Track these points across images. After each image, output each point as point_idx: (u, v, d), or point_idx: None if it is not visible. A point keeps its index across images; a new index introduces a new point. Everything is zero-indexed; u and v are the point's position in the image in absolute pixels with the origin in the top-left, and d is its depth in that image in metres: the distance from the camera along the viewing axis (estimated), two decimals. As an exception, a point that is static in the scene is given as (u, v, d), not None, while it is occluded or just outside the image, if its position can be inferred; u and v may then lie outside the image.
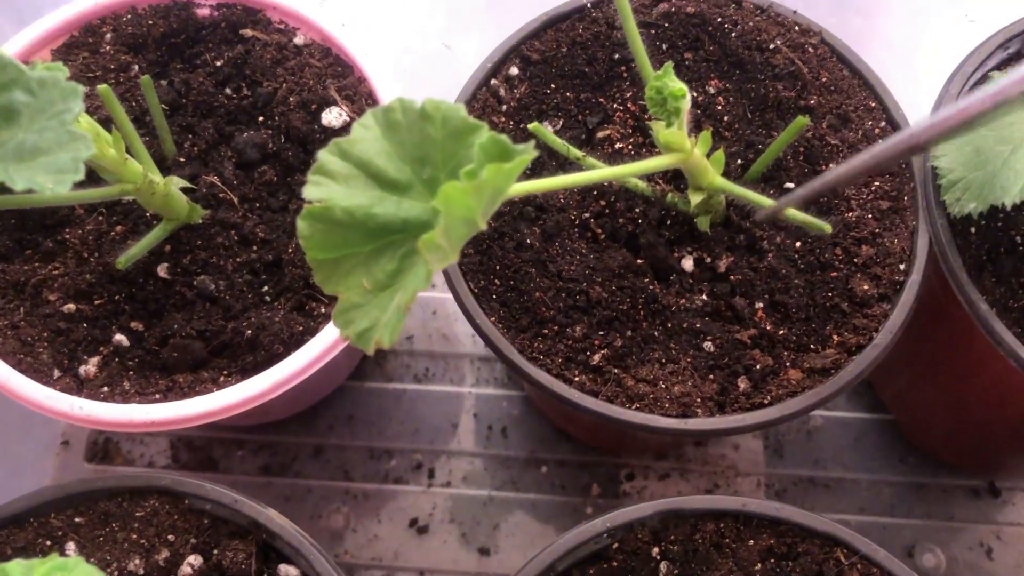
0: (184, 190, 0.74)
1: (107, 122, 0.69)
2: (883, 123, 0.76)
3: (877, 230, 0.72)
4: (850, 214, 0.72)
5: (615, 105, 0.77)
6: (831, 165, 0.73)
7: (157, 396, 0.70)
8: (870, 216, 0.72)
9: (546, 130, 0.70)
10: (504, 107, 0.77)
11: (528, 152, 0.41)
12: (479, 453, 0.95)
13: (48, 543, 0.64)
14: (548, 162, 0.74)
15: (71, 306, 0.73)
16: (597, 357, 0.68)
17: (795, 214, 0.68)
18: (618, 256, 0.70)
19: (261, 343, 0.71)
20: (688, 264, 0.71)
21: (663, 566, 0.63)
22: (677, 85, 0.59)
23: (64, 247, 0.75)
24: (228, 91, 0.81)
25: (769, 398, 0.66)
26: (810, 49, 0.78)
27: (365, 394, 0.98)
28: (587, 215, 0.73)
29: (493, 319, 0.69)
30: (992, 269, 0.71)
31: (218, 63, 0.81)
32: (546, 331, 0.68)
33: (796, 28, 0.79)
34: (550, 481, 0.94)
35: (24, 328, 0.72)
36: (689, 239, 0.72)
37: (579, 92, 0.77)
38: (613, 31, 0.78)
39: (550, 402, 0.79)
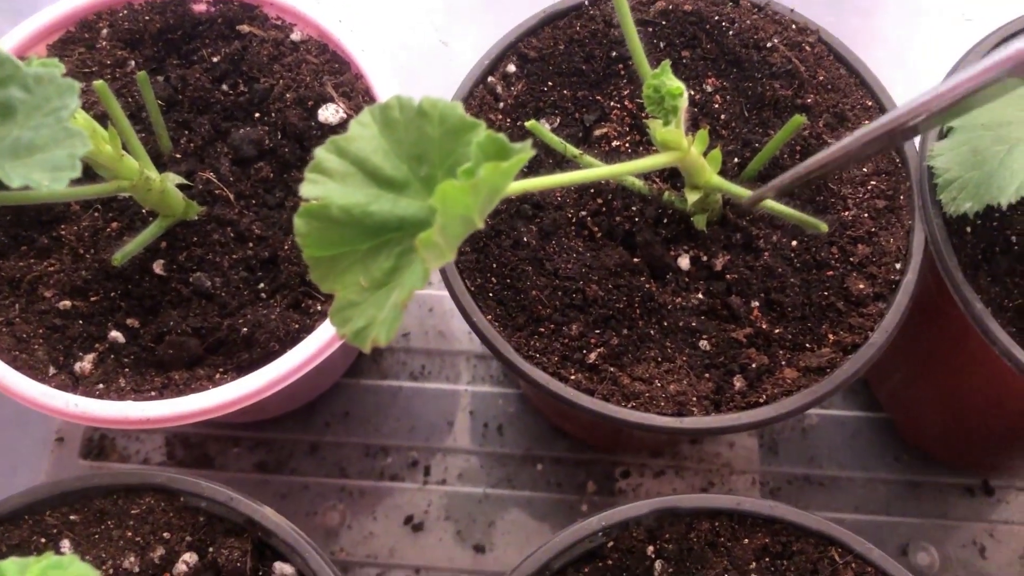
0: (180, 186, 0.74)
1: (103, 118, 0.69)
2: (880, 122, 0.76)
3: (873, 229, 0.72)
4: (846, 213, 0.72)
5: (612, 103, 0.77)
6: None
7: (153, 393, 0.69)
8: (866, 215, 0.72)
9: (543, 128, 0.70)
10: (501, 104, 0.77)
11: (525, 151, 0.41)
12: (475, 450, 0.95)
13: (43, 541, 0.64)
14: (545, 160, 0.74)
15: (67, 303, 0.73)
16: (593, 355, 0.68)
17: (791, 212, 0.68)
18: (615, 254, 0.70)
19: (257, 340, 0.71)
20: (684, 263, 0.71)
21: (658, 565, 0.63)
22: (674, 83, 0.59)
23: (60, 243, 0.75)
24: (225, 87, 0.81)
25: (764, 397, 0.66)
26: (807, 48, 0.78)
27: (361, 391, 0.98)
28: (584, 213, 0.73)
29: (489, 317, 0.69)
30: (987, 269, 0.71)
31: (215, 59, 0.81)
32: (542, 329, 0.68)
33: (793, 27, 0.79)
34: (546, 478, 0.94)
35: (19, 325, 0.72)
36: (686, 237, 0.72)
37: (576, 90, 0.77)
38: (610, 29, 0.78)
39: (546, 400, 0.79)
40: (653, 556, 0.63)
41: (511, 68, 0.78)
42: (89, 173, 0.67)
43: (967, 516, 0.92)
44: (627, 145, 0.75)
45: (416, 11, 1.21)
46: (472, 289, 0.70)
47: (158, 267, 0.74)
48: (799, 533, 0.63)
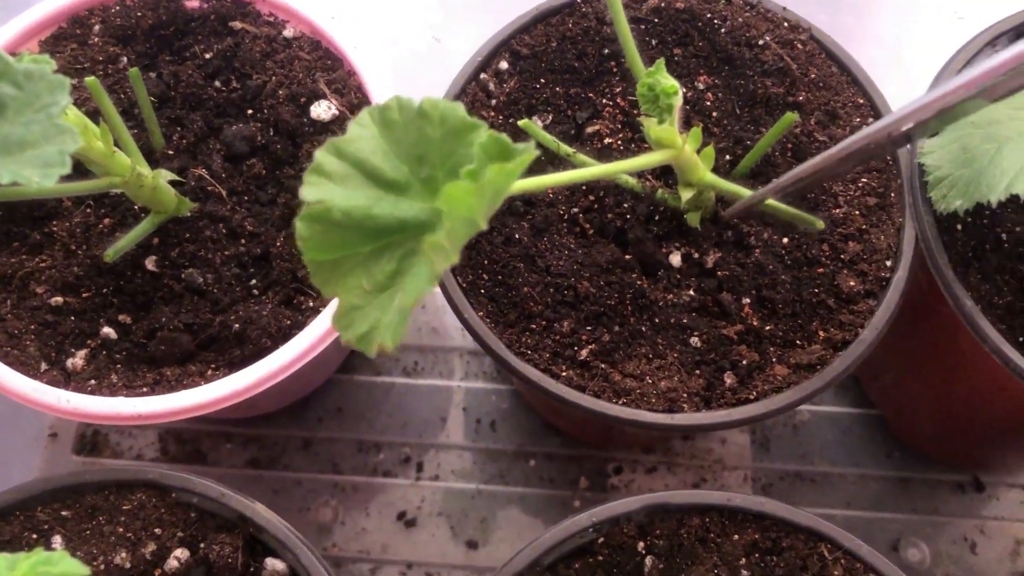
0: (172, 183, 0.74)
1: (95, 114, 0.69)
2: (871, 120, 0.76)
3: (864, 226, 0.72)
4: (837, 210, 0.73)
5: (604, 100, 0.77)
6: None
7: (144, 389, 0.69)
8: (857, 212, 0.72)
9: (536, 126, 0.70)
10: (493, 102, 0.77)
11: (529, 152, 0.41)
12: (468, 447, 0.95)
13: (35, 536, 0.64)
14: (537, 157, 0.74)
15: (58, 299, 0.73)
16: (585, 352, 0.68)
17: (786, 209, 0.68)
18: (606, 251, 0.71)
19: (249, 337, 0.71)
20: (676, 259, 0.71)
21: (648, 560, 0.63)
22: (669, 82, 0.60)
23: (52, 240, 0.75)
24: (217, 84, 0.81)
25: (755, 393, 0.66)
26: (799, 45, 0.78)
27: (354, 387, 0.98)
28: (576, 210, 0.73)
29: (481, 314, 0.69)
30: (977, 266, 0.71)
31: (207, 55, 0.81)
32: (534, 326, 0.69)
33: (785, 24, 0.79)
34: (538, 474, 0.94)
35: (11, 321, 0.72)
36: (677, 234, 0.72)
37: (568, 87, 0.77)
38: (603, 26, 0.78)
39: (538, 396, 0.79)
40: (643, 552, 0.63)
41: (504, 65, 0.78)
42: (81, 169, 0.67)
43: (958, 512, 0.93)
44: (619, 142, 0.76)
45: (409, 7, 1.21)
46: (464, 286, 0.70)
47: (150, 263, 0.74)
48: (789, 529, 0.64)
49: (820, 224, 0.68)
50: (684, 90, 0.76)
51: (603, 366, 0.68)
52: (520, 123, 0.67)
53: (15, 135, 0.51)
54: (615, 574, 0.63)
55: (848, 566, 0.62)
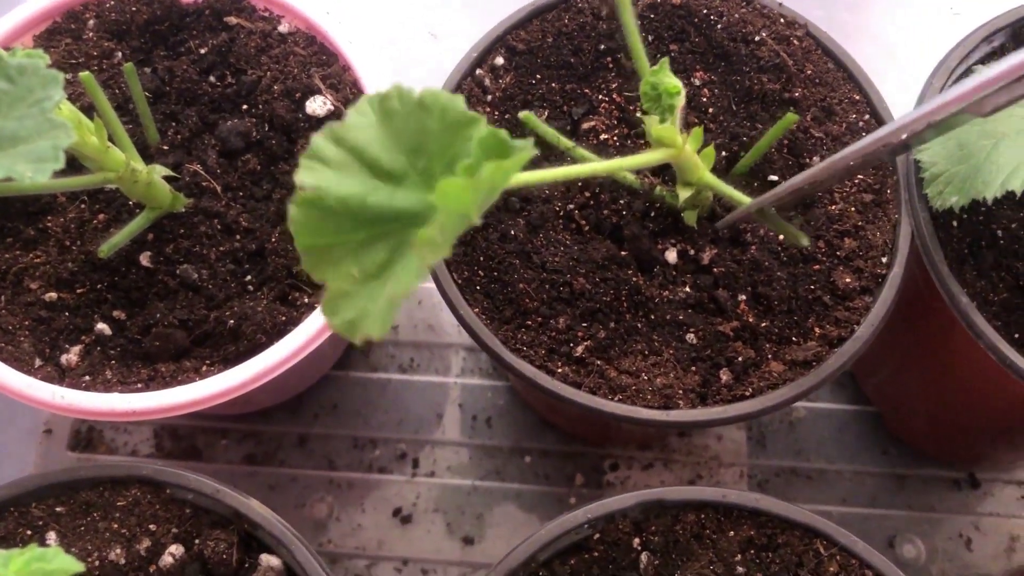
0: (167, 178, 0.74)
1: (90, 109, 0.69)
2: (867, 116, 0.76)
3: (860, 223, 0.72)
4: (833, 207, 0.72)
5: (600, 96, 0.77)
6: (815, 158, 0.74)
7: (139, 385, 0.69)
8: (853, 209, 0.72)
9: (537, 119, 0.70)
10: (489, 97, 0.77)
11: (527, 149, 0.40)
12: (464, 443, 0.95)
13: (29, 533, 0.64)
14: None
15: (53, 294, 0.73)
16: (580, 348, 0.68)
17: (775, 221, 0.68)
18: (602, 248, 0.71)
19: (244, 333, 0.71)
20: (672, 256, 0.71)
21: (644, 557, 0.63)
22: (673, 81, 0.59)
23: (46, 235, 0.75)
24: (212, 79, 0.80)
25: (751, 390, 0.66)
26: (795, 41, 0.78)
27: (350, 384, 0.98)
28: (571, 206, 0.73)
29: (477, 310, 0.69)
30: (973, 263, 0.71)
31: (202, 51, 0.81)
32: (530, 322, 0.69)
33: (781, 20, 0.79)
34: (534, 471, 0.94)
35: (5, 316, 0.72)
36: (673, 231, 0.72)
37: (564, 83, 0.77)
38: (599, 22, 0.78)
39: (534, 393, 0.79)
40: (639, 548, 0.63)
41: (499, 61, 0.78)
42: (75, 165, 0.67)
43: (953, 509, 0.93)
44: (615, 139, 0.75)
45: (404, 3, 1.20)
46: (459, 282, 0.70)
47: (145, 259, 0.74)
48: (784, 525, 0.64)
49: (805, 241, 0.68)
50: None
51: (599, 362, 0.67)
52: (521, 116, 0.67)
53: (8, 130, 0.50)
54: (610, 570, 0.63)
55: (844, 562, 0.62)
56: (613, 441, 0.95)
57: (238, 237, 0.75)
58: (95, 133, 0.65)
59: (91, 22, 0.82)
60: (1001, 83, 0.46)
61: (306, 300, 0.72)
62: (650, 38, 0.78)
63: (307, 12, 0.82)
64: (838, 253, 0.71)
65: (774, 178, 0.74)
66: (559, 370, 0.67)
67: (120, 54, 0.81)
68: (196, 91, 0.79)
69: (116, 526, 0.64)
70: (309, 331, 0.69)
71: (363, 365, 0.99)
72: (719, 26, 0.77)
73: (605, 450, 0.95)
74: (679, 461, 0.94)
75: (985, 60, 0.78)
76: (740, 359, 0.68)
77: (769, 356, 0.68)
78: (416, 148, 0.46)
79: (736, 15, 0.78)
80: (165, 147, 0.78)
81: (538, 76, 0.77)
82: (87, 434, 0.95)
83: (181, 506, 0.65)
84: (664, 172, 0.73)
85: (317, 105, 0.78)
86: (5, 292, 0.73)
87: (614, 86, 0.77)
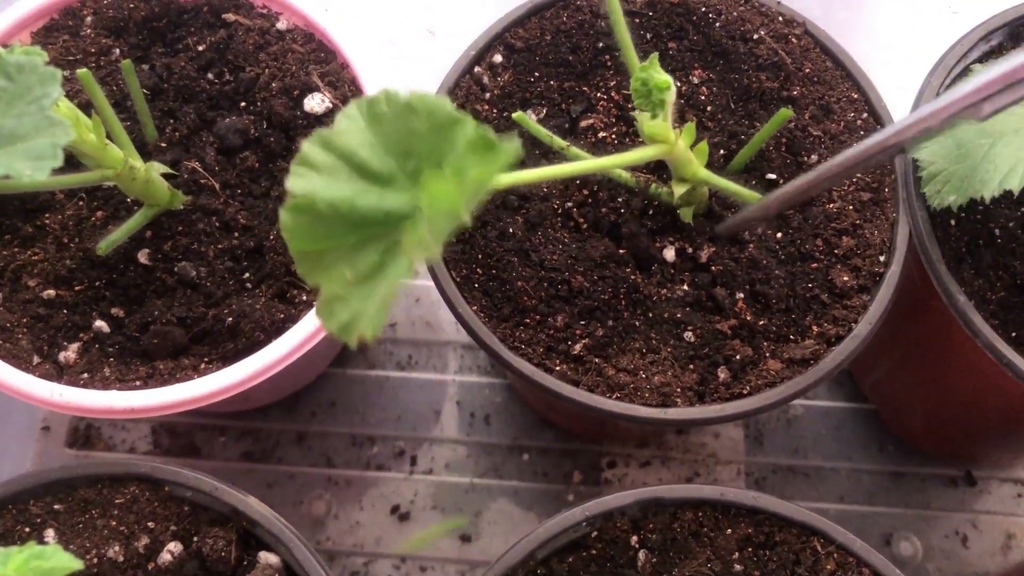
0: (165, 176, 0.74)
1: (87, 107, 0.69)
2: (865, 114, 0.76)
3: (858, 221, 0.72)
4: (831, 205, 0.73)
5: (599, 94, 0.77)
6: (813, 156, 0.74)
7: (137, 383, 0.69)
8: (851, 207, 0.72)
9: (530, 119, 0.70)
10: (487, 95, 0.77)
11: (513, 147, 0.41)
12: (462, 440, 0.95)
13: (27, 530, 0.64)
14: (531, 151, 0.74)
15: (51, 292, 0.73)
16: (578, 346, 0.68)
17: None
18: (600, 246, 0.71)
19: (242, 330, 0.71)
20: (670, 254, 0.71)
21: (642, 554, 0.63)
22: (662, 77, 0.59)
23: (44, 232, 0.75)
24: (210, 76, 0.80)
25: (748, 388, 0.67)
26: (793, 40, 0.78)
27: (348, 381, 0.98)
28: (570, 204, 0.73)
29: (475, 308, 0.69)
30: (971, 261, 0.71)
31: (200, 48, 0.81)
32: (528, 320, 0.69)
33: (780, 19, 0.79)
34: (532, 468, 0.94)
35: (3, 314, 0.72)
36: (671, 229, 0.72)
37: (563, 81, 0.77)
38: (597, 19, 0.78)
39: (532, 391, 0.79)
40: (637, 546, 0.64)
41: (498, 58, 0.78)
42: (73, 162, 0.67)
43: (950, 506, 0.93)
44: (613, 136, 0.75)
45: (403, 0, 1.20)
46: (458, 280, 0.70)
47: (143, 256, 0.74)
48: (782, 523, 0.64)
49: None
50: (679, 84, 0.76)
51: (597, 360, 0.68)
52: (514, 116, 0.67)
53: (6, 127, 0.50)
54: (608, 568, 0.63)
55: (841, 560, 0.62)
56: (611, 439, 0.95)
57: (236, 234, 0.75)
58: (93, 130, 0.65)
59: (89, 19, 0.82)
60: (1001, 86, 0.46)
61: (304, 298, 0.72)
62: (648, 36, 0.78)
63: (305, 9, 0.82)
64: (836, 252, 0.71)
65: (772, 176, 0.74)
66: (557, 368, 0.67)
67: (118, 51, 0.81)
68: (194, 88, 0.79)
69: (114, 524, 0.64)
70: (308, 328, 0.69)
71: (361, 363, 0.99)
72: (717, 24, 0.77)
73: (603, 448, 0.95)
74: (676, 459, 0.95)
75: (983, 59, 0.78)
76: (738, 357, 0.68)
77: (767, 354, 0.68)
78: (405, 150, 0.46)
79: (734, 13, 0.78)
80: (163, 144, 0.77)
81: (536, 74, 0.77)
82: (85, 431, 0.95)
83: (179, 504, 0.65)
84: (661, 169, 0.73)
85: (315, 103, 0.78)
86: (3, 289, 0.73)
87: (612, 84, 0.77)
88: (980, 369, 0.71)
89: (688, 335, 0.69)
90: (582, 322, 0.69)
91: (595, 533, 0.64)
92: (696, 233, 0.72)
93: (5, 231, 0.75)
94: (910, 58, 0.84)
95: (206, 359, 0.71)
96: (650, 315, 0.69)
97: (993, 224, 0.72)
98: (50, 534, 0.64)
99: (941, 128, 0.51)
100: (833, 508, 0.93)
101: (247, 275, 0.74)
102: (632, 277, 0.70)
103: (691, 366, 0.68)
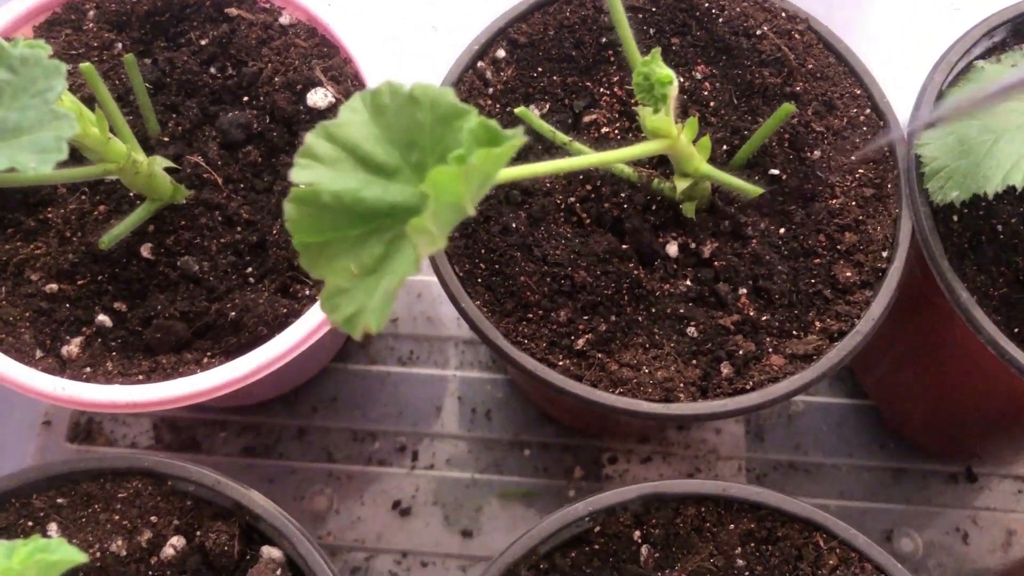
0: (168, 170, 0.73)
1: (90, 100, 0.69)
2: (868, 110, 0.76)
3: (860, 217, 0.72)
4: (834, 201, 0.73)
5: (602, 89, 0.77)
6: (816, 152, 0.74)
7: (140, 377, 0.69)
8: (854, 203, 0.73)
9: (533, 114, 0.70)
10: (491, 90, 0.77)
11: (517, 138, 0.41)
12: (463, 436, 0.95)
13: (30, 524, 0.64)
14: (534, 146, 0.74)
15: (53, 286, 0.73)
16: (581, 342, 0.68)
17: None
18: (603, 241, 0.71)
19: (245, 325, 0.71)
20: (673, 249, 0.71)
21: (644, 549, 0.63)
22: (664, 71, 0.59)
23: (46, 226, 0.75)
24: (213, 70, 0.80)
25: (751, 384, 0.67)
26: (797, 36, 0.78)
27: (349, 376, 0.98)
28: (573, 199, 0.73)
29: (478, 303, 0.69)
30: (973, 257, 0.71)
31: (203, 42, 0.81)
32: (531, 315, 0.69)
33: (783, 14, 0.79)
34: (533, 464, 0.94)
35: (5, 308, 0.72)
36: (674, 224, 0.72)
37: (566, 76, 0.77)
38: (601, 14, 0.78)
39: (534, 386, 0.79)
40: (639, 541, 0.64)
41: (501, 53, 0.78)
42: (76, 156, 0.67)
43: (950, 503, 0.93)
44: (616, 131, 0.75)
45: (406, -5, 1.20)
46: (461, 275, 0.70)
47: (146, 251, 0.74)
48: (784, 519, 0.64)
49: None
50: (681, 80, 0.76)
51: (600, 356, 0.68)
52: (517, 111, 0.67)
53: (11, 121, 0.50)
54: (611, 563, 0.63)
55: (843, 556, 0.62)
56: (612, 434, 0.95)
57: (239, 229, 0.74)
58: (96, 124, 0.64)
59: (91, 13, 0.82)
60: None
61: (307, 292, 0.72)
62: (651, 31, 0.78)
63: (308, 4, 0.82)
64: (839, 247, 0.71)
65: (774, 171, 0.74)
66: (560, 363, 0.67)
67: (120, 45, 0.81)
68: (197, 82, 0.79)
69: (117, 518, 0.64)
70: (311, 323, 0.69)
71: (362, 357, 0.99)
72: (721, 19, 0.77)
73: (604, 443, 0.95)
74: (677, 454, 0.95)
75: (986, 55, 0.78)
76: (741, 352, 0.68)
77: (770, 350, 0.68)
78: (408, 142, 0.46)
79: (738, 9, 0.78)
80: (166, 138, 0.77)
81: (539, 69, 0.77)
82: (86, 426, 0.95)
83: (182, 498, 0.65)
84: (663, 164, 0.73)
85: (318, 97, 0.78)
86: (6, 283, 0.73)
87: (615, 79, 0.77)
88: (982, 365, 0.72)
89: (691, 330, 0.69)
90: (585, 317, 0.69)
91: (598, 528, 0.64)
92: (699, 228, 0.72)
93: (7, 225, 0.75)
94: (913, 54, 0.84)
95: (209, 354, 0.71)
96: (653, 310, 0.69)
97: (996, 220, 0.72)
98: (53, 528, 0.64)
99: None
100: (834, 504, 0.93)
101: (250, 270, 0.74)
102: (635, 272, 0.70)
103: (694, 361, 0.68)
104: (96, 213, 0.75)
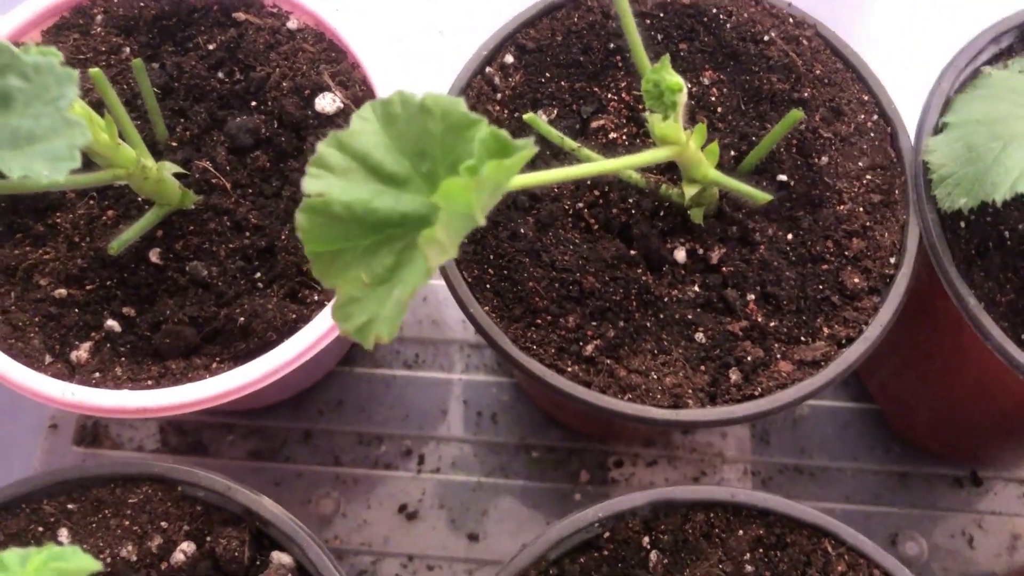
0: (177, 175, 0.74)
1: (99, 105, 0.69)
2: (875, 116, 0.76)
3: (868, 223, 0.72)
4: (842, 207, 0.73)
5: (610, 95, 0.77)
6: (824, 158, 0.74)
7: (149, 382, 0.69)
8: (861, 209, 0.73)
9: (541, 121, 0.70)
10: (499, 96, 0.77)
11: (528, 148, 0.41)
12: (468, 439, 0.95)
13: (41, 530, 0.64)
14: (543, 151, 0.74)
15: (62, 291, 0.73)
16: (590, 348, 0.68)
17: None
18: (611, 247, 0.71)
19: (254, 330, 0.71)
20: (681, 255, 0.71)
21: (653, 555, 0.63)
22: (674, 79, 0.59)
23: (55, 231, 0.75)
24: (221, 75, 0.80)
25: (760, 390, 0.67)
26: (804, 42, 0.78)
27: (355, 380, 0.98)
28: (581, 205, 0.73)
29: (487, 308, 0.69)
30: (981, 264, 0.71)
31: (211, 47, 0.81)
32: (539, 321, 0.69)
33: (791, 20, 0.79)
34: (539, 467, 0.94)
35: (15, 313, 0.72)
36: (682, 230, 0.73)
37: (574, 81, 0.77)
38: (609, 20, 0.78)
39: (541, 391, 0.79)
40: (648, 547, 0.64)
41: (509, 59, 0.78)
42: (85, 161, 0.66)
43: (956, 507, 0.93)
44: (624, 137, 0.76)
45: (413, 0, 1.20)
46: (469, 280, 0.70)
47: (154, 256, 0.74)
48: (793, 525, 0.64)
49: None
50: (689, 85, 0.76)
51: (608, 362, 0.68)
52: (525, 117, 0.67)
53: (24, 128, 0.50)
54: (620, 569, 0.63)
55: (852, 562, 0.63)
56: (618, 438, 0.96)
57: (248, 234, 0.75)
58: (106, 130, 0.65)
59: (99, 17, 0.82)
60: None
61: (316, 297, 0.72)
62: (659, 37, 0.78)
63: (316, 9, 0.82)
64: (846, 253, 0.71)
65: (782, 177, 0.74)
66: (569, 369, 0.67)
67: (128, 50, 0.81)
68: (205, 87, 0.79)
69: (127, 523, 0.64)
70: (320, 328, 0.69)
71: (368, 361, 0.99)
72: (728, 25, 0.77)
73: (609, 447, 0.95)
74: (683, 458, 0.95)
75: (993, 61, 0.78)
76: (749, 358, 0.68)
77: (778, 356, 0.68)
78: (419, 152, 0.46)
79: (745, 14, 0.78)
80: (174, 144, 0.77)
81: (547, 74, 0.77)
82: (93, 429, 0.95)
83: (192, 503, 0.65)
84: (671, 170, 0.74)
85: (326, 102, 0.78)
86: (15, 289, 0.73)
87: (623, 85, 0.77)
88: (989, 371, 0.72)
89: (699, 336, 0.69)
90: (593, 323, 0.69)
91: (607, 534, 0.64)
92: (707, 234, 0.72)
93: (17, 230, 0.75)
94: (920, 60, 0.84)
95: (218, 359, 0.71)
96: (661, 316, 0.69)
97: (1003, 227, 0.72)
98: (63, 533, 0.64)
99: None
100: (839, 508, 0.93)
101: (259, 275, 0.74)
102: (643, 278, 0.70)
103: (702, 367, 0.68)
104: (105, 218, 0.75)
